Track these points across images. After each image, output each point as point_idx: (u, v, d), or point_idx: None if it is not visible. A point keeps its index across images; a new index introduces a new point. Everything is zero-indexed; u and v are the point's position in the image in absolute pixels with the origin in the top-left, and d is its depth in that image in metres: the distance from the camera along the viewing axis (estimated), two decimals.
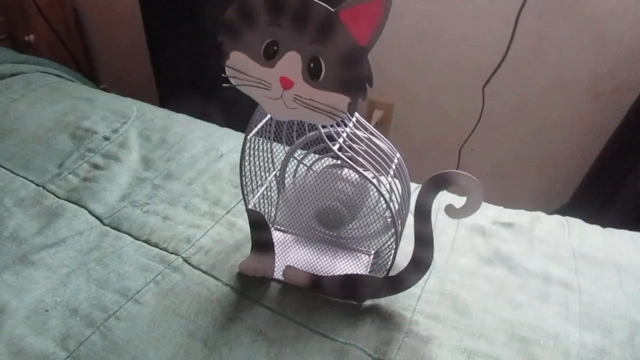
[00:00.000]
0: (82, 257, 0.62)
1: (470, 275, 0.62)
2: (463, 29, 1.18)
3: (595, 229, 0.72)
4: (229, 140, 0.85)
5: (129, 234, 0.65)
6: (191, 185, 0.74)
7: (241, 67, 0.47)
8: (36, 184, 0.73)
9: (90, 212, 0.68)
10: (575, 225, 0.71)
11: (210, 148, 0.82)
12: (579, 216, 0.81)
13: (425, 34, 1.21)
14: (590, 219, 0.81)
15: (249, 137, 0.55)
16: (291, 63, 0.45)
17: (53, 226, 0.65)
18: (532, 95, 1.20)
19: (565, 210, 1.21)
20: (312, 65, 0.45)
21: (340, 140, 0.53)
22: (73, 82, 1.01)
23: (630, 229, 0.72)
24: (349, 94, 0.45)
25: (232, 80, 0.48)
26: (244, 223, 0.68)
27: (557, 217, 0.73)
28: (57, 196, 0.71)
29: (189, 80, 1.29)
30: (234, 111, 1.09)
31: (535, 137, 1.27)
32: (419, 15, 1.18)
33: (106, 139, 0.81)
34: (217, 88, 1.28)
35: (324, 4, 0.43)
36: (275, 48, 0.45)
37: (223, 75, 0.48)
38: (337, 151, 0.52)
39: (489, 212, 0.73)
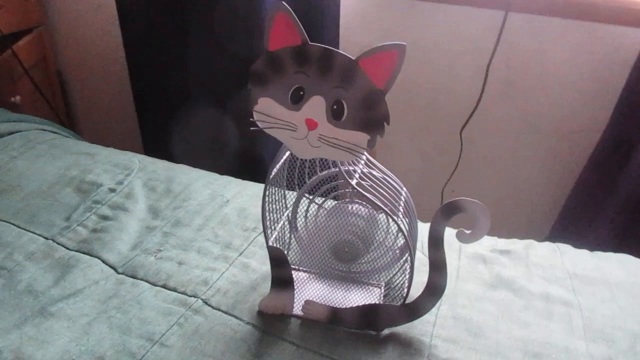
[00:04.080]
0: (101, 305, 0.62)
1: (478, 300, 0.65)
2: (439, 78, 1.28)
3: (584, 252, 0.77)
4: (232, 187, 0.88)
5: (146, 281, 0.66)
6: (201, 231, 0.76)
7: (268, 112, 0.52)
8: (45, 238, 0.73)
9: (103, 261, 0.69)
10: (566, 250, 0.77)
11: (215, 195, 0.84)
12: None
13: (403, 84, 1.30)
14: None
15: (270, 177, 0.58)
16: (316, 106, 0.50)
17: (68, 277, 0.66)
18: (506, 136, 1.30)
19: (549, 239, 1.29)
20: (335, 107, 0.50)
21: (357, 175, 0.57)
22: (71, 138, 1.03)
23: None
24: (368, 132, 0.50)
25: (259, 124, 0.52)
26: (257, 264, 0.70)
27: (548, 244, 0.79)
28: (67, 248, 0.71)
29: (177, 139, 1.32)
30: (222, 164, 1.13)
31: (511, 176, 1.35)
32: None
33: (112, 190, 0.83)
34: (203, 142, 1.31)
35: (345, 54, 0.48)
36: (302, 93, 0.50)
37: (251, 119, 0.52)
38: (356, 187, 0.56)
39: (486, 242, 0.78)
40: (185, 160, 0.98)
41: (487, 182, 1.39)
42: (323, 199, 0.67)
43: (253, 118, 0.52)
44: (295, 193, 0.67)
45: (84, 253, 0.70)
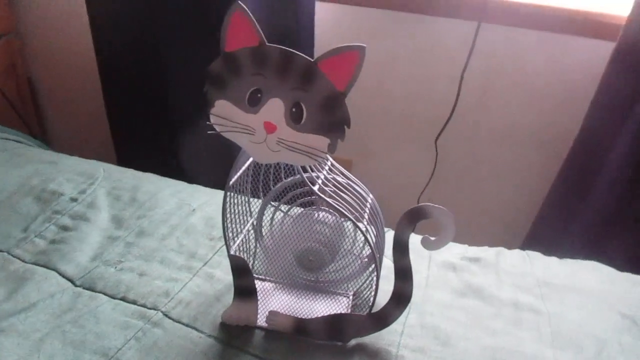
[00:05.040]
0: (55, 320, 0.59)
1: (446, 308, 0.64)
2: (414, 88, 1.28)
3: (553, 259, 0.77)
4: (200, 196, 0.86)
5: (104, 293, 0.63)
6: (165, 241, 0.73)
7: (226, 115, 0.50)
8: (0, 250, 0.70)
9: (60, 274, 0.66)
10: (535, 257, 0.76)
11: (181, 204, 0.82)
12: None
13: (378, 93, 1.30)
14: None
15: (230, 184, 0.57)
16: (274, 109, 0.49)
17: (22, 291, 0.63)
18: (481, 144, 1.30)
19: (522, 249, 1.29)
20: (294, 110, 0.48)
21: (320, 181, 0.56)
22: (35, 147, 1.00)
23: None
24: (329, 136, 0.49)
25: (216, 128, 0.51)
26: (222, 274, 0.68)
27: (518, 251, 0.78)
28: (23, 260, 0.68)
29: (150, 148, 1.30)
30: (195, 171, 1.11)
31: (486, 183, 1.36)
32: (371, 75, 1.28)
33: (73, 200, 0.80)
34: (176, 151, 1.28)
35: (303, 55, 0.47)
36: (259, 95, 0.49)
37: (208, 123, 0.51)
38: (318, 193, 0.55)
39: (456, 250, 0.77)
40: (158, 169, 0.96)
41: (463, 190, 1.39)
42: (289, 206, 0.66)
43: (210, 121, 0.51)
44: (260, 200, 0.66)
45: (40, 265, 0.67)
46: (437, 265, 0.72)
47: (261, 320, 0.61)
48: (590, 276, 0.72)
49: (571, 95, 1.16)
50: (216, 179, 1.07)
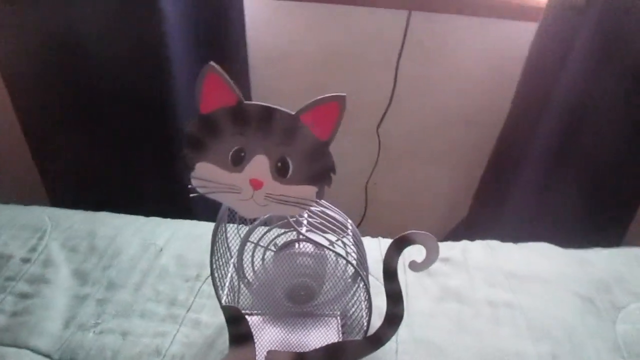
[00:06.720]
0: None
1: (431, 317, 0.68)
2: (351, 79, 1.29)
3: (511, 246, 0.83)
4: (162, 231, 0.82)
5: None
6: (140, 291, 0.70)
7: (208, 176, 0.48)
8: None
9: (34, 350, 0.61)
10: (496, 247, 0.82)
11: (146, 244, 0.78)
12: (477, 229, 0.93)
13: (316, 88, 1.29)
14: (486, 230, 0.95)
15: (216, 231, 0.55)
16: (259, 165, 0.48)
17: None
18: (420, 129, 1.35)
19: (465, 224, 1.38)
20: (279, 164, 0.48)
21: (305, 222, 0.56)
22: None
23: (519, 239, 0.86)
24: (316, 184, 0.49)
25: (199, 190, 0.49)
26: (208, 317, 0.67)
27: (479, 242, 0.83)
28: None
29: (83, 180, 1.21)
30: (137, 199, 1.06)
31: (426, 165, 1.42)
32: (308, 70, 1.27)
33: (25, 261, 0.73)
34: (112, 182, 1.19)
35: (284, 109, 0.46)
36: (242, 154, 0.47)
37: (189, 186, 0.49)
38: (305, 234, 0.55)
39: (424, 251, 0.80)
40: (95, 203, 0.90)
41: (407, 174, 1.45)
42: (268, 242, 0.65)
43: (191, 184, 0.49)
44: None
45: (7, 345, 0.61)
46: (412, 272, 0.75)
47: None
48: (544, 261, 0.79)
49: (500, 77, 1.23)
50: (162, 200, 1.04)
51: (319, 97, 0.47)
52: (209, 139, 0.47)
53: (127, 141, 1.13)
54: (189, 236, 0.81)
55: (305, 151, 0.48)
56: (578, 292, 0.71)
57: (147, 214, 0.89)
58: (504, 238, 0.87)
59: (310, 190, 0.49)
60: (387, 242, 0.80)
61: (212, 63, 0.45)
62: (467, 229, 1.35)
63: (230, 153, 0.47)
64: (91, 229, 0.81)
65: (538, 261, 0.78)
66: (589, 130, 1.11)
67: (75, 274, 0.73)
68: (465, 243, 0.83)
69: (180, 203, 1.17)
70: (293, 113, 0.47)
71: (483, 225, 1.29)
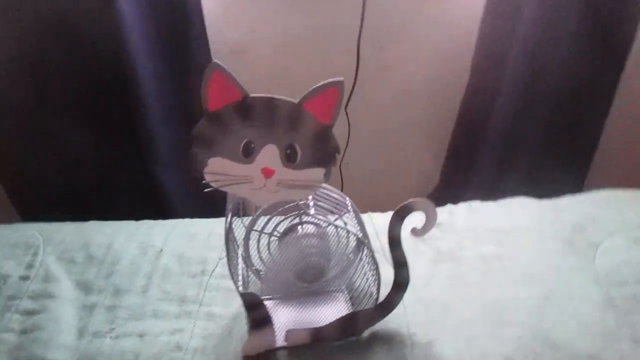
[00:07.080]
0: None
1: (431, 278, 0.73)
2: (314, 62, 1.31)
3: (491, 204, 0.89)
4: (157, 233, 0.83)
5: None
6: (148, 293, 0.71)
7: (221, 170, 0.50)
8: None
9: None
10: (478, 207, 0.88)
11: (144, 247, 0.79)
12: (449, 193, 0.99)
13: (282, 75, 1.31)
14: (458, 195, 1.01)
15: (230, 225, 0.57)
16: (269, 154, 0.50)
17: None
18: (386, 104, 1.40)
19: (438, 190, 1.45)
20: (288, 151, 0.50)
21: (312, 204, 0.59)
22: None
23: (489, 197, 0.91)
24: (323, 166, 0.52)
25: (213, 184, 0.51)
26: (221, 309, 0.69)
27: (462, 205, 0.89)
28: None
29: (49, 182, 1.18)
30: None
31: (395, 140, 1.47)
32: (273, 59, 1.28)
33: (24, 278, 0.72)
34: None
35: (288, 99, 0.49)
36: (253, 145, 0.49)
37: (203, 182, 0.50)
38: (314, 216, 0.58)
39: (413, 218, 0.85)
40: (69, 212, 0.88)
41: (378, 149, 1.49)
42: (272, 229, 0.67)
43: (204, 180, 0.50)
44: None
45: None
46: (405, 238, 0.80)
47: (279, 341, 0.64)
48: (523, 213, 0.85)
49: (457, 45, 1.29)
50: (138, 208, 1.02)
51: (318, 84, 0.49)
52: (218, 135, 0.49)
53: (93, 144, 1.11)
54: (186, 235, 0.82)
55: (311, 136, 0.50)
56: (558, 236, 0.78)
57: (122, 218, 0.89)
58: (474, 199, 0.93)
59: (318, 172, 0.52)
60: (378, 216, 0.85)
61: (215, 61, 0.46)
62: (441, 195, 1.42)
63: (241, 145, 0.49)
64: (84, 239, 0.80)
65: (518, 214, 0.84)
66: (545, 82, 1.19)
67: (78, 284, 0.72)
68: (450, 207, 0.88)
69: (155, 204, 1.18)
70: (296, 102, 0.49)
71: (454, 189, 1.36)
